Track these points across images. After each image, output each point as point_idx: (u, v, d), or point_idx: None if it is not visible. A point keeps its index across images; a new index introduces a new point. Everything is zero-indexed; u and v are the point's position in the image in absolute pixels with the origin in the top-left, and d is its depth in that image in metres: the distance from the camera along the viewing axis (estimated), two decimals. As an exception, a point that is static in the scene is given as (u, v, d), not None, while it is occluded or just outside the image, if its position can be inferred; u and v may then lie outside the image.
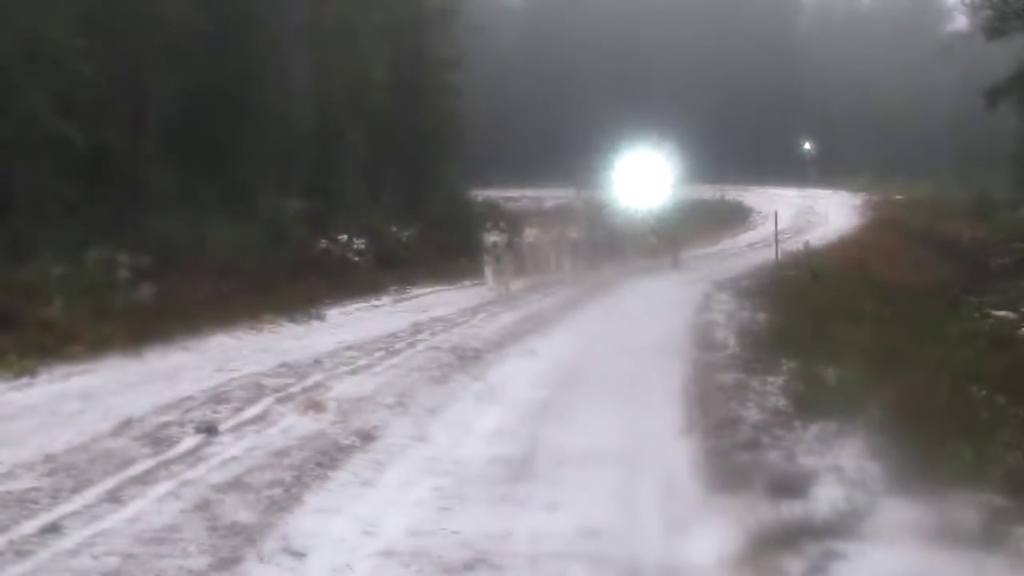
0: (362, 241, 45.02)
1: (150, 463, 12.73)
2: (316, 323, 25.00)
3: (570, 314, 29.24)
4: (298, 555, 9.18)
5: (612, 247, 35.02)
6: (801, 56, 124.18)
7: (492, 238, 19.71)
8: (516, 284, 32.72)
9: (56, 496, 11.12)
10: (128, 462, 12.59)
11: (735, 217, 74.79)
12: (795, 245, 54.95)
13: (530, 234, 25.24)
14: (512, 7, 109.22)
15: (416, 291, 32.16)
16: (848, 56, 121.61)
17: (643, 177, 41.04)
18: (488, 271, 20.02)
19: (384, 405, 16.29)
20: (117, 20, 46.86)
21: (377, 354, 18.84)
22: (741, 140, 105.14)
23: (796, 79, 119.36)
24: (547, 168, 54.79)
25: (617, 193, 41.60)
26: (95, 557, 9.04)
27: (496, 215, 35.38)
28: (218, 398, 16.29)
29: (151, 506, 10.79)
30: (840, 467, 10.89)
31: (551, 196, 58.31)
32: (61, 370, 18.43)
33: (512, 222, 37.16)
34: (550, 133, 76.69)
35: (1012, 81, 36.25)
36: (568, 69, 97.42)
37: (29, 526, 10.01)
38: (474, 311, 27.27)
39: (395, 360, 19.96)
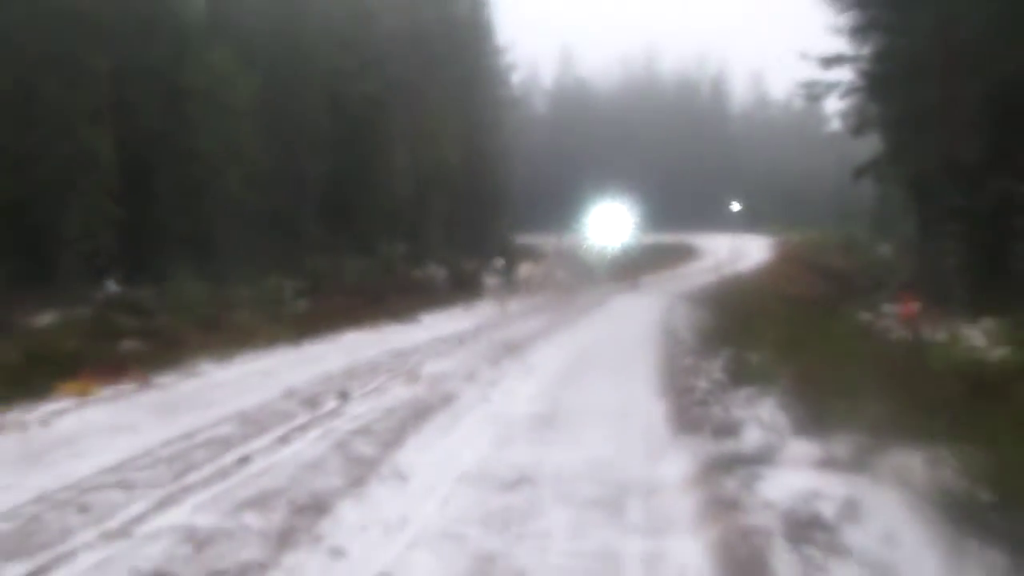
0: (442, 270, 45.34)
1: (306, 417, 12.80)
2: (413, 324, 24.79)
3: (576, 320, 29.25)
4: (403, 477, 9.29)
5: (588, 274, 34.14)
6: (732, 143, 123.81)
7: (490, 277, 18.63)
8: (514, 305, 31.37)
9: (246, 438, 11.28)
10: (291, 416, 12.67)
11: (687, 253, 74.51)
12: (728, 271, 55.08)
13: (524, 269, 21.94)
14: (539, 114, 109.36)
15: (477, 304, 31.70)
16: (764, 143, 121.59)
17: (609, 223, 41.93)
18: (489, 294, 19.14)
19: (459, 377, 16.39)
20: (284, 127, 47.16)
21: (452, 344, 18.98)
22: (690, 200, 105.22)
23: (729, 159, 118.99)
24: (559, 218, 54.84)
25: (591, 235, 41.63)
26: (273, 477, 9.18)
27: (511, 252, 34.61)
28: (349, 374, 16.30)
29: (307, 446, 10.89)
30: (759, 417, 10.92)
31: (557, 239, 56.02)
32: (247, 356, 18.59)
33: (515, 257, 36.01)
34: (561, 192, 75.96)
35: (867, 165, 37.16)
36: (574, 149, 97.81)
37: (229, 457, 10.15)
38: (514, 317, 26.66)
39: (465, 348, 20.08)
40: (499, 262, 28.85)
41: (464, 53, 67.08)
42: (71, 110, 38.21)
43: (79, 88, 38.52)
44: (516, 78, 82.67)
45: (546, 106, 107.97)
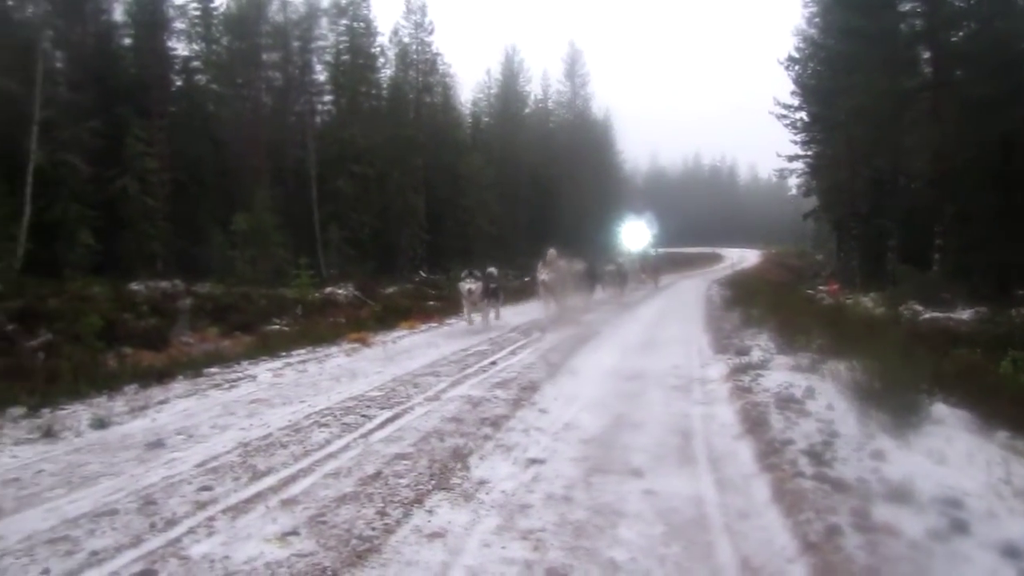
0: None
1: (525, 340, 13.08)
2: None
3: (655, 294, 28.75)
4: (575, 373, 9.46)
5: (620, 276, 26.20)
6: (738, 200, 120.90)
7: (467, 285, 14.37)
8: (624, 288, 26.24)
9: (494, 352, 11.40)
10: (517, 340, 12.94)
11: (716, 257, 72.52)
12: (738, 267, 54.04)
13: (543, 272, 17.30)
14: (638, 187, 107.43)
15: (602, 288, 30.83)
16: (755, 200, 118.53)
17: (637, 237, 33.71)
18: (465, 306, 15.11)
19: (602, 323, 16.45)
20: (506, 191, 47.52)
21: (534, 334, 16.93)
22: (717, 228, 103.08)
23: (737, 208, 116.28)
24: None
25: (624, 246, 32.91)
26: (508, 373, 9.42)
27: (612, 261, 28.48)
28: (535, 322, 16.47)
29: (525, 356, 11.11)
30: (760, 344, 10.83)
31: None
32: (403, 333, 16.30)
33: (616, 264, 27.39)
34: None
35: (810, 212, 38.84)
36: (653, 206, 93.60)
37: (485, 361, 10.36)
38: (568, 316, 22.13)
39: (540, 339, 19.06)
40: (610, 266, 26.10)
41: (600, 151, 66.98)
42: (405, 185, 39.23)
43: (407, 175, 39.55)
44: (626, 165, 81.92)
45: (641, 180, 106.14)
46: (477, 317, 15.59)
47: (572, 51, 64.69)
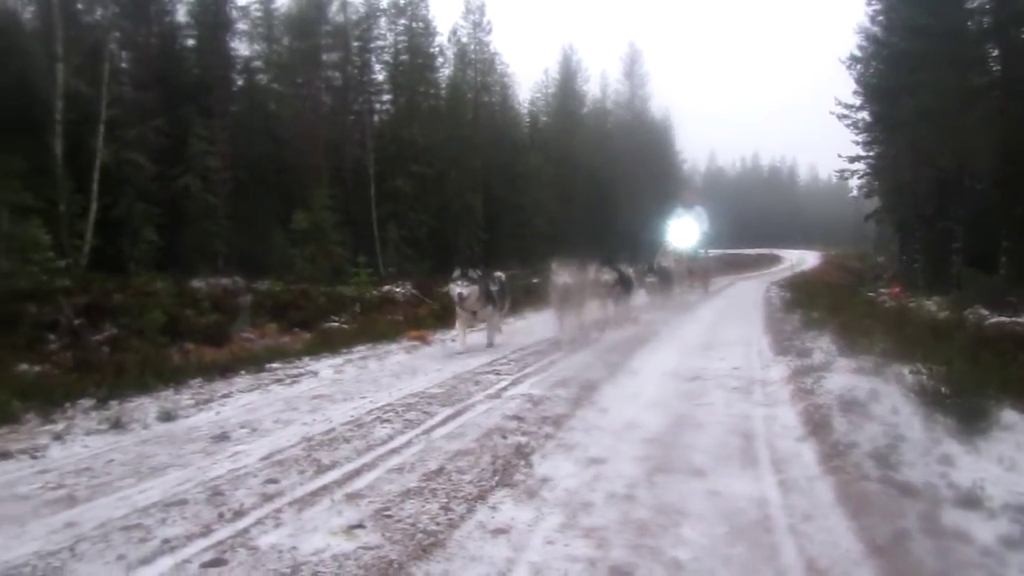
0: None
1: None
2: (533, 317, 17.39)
3: (714, 295, 28.44)
4: (635, 373, 9.45)
5: (665, 280, 21.86)
6: (798, 202, 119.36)
7: (458, 289, 11.47)
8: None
9: (552, 351, 11.42)
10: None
11: (775, 259, 71.26)
12: (798, 269, 53.24)
13: (559, 274, 12.90)
14: (696, 187, 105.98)
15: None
16: (816, 201, 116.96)
17: (686, 235, 26.83)
18: (458, 318, 11.98)
19: (662, 323, 16.30)
20: (564, 190, 47.46)
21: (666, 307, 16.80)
22: (777, 231, 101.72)
23: (797, 209, 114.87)
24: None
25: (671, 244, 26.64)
26: (567, 371, 9.42)
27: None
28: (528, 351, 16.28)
29: (583, 356, 11.16)
30: (821, 347, 10.67)
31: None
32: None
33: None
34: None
35: (872, 213, 37.54)
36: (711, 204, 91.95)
37: (545, 360, 10.45)
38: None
39: (667, 308, 19.14)
40: (652, 270, 23.68)
41: (659, 151, 66.53)
42: (463, 185, 39.49)
43: (466, 174, 39.79)
44: (685, 165, 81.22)
45: (699, 181, 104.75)
46: (474, 335, 12.50)
47: (631, 51, 64.41)
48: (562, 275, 12.74)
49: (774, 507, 4.30)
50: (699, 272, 27.80)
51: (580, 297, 13.26)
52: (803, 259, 69.26)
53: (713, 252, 33.78)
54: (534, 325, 15.23)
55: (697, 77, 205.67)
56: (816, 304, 17.92)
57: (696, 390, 8.15)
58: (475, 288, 11.51)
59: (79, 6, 28.11)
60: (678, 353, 11.30)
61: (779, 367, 9.49)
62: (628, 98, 63.96)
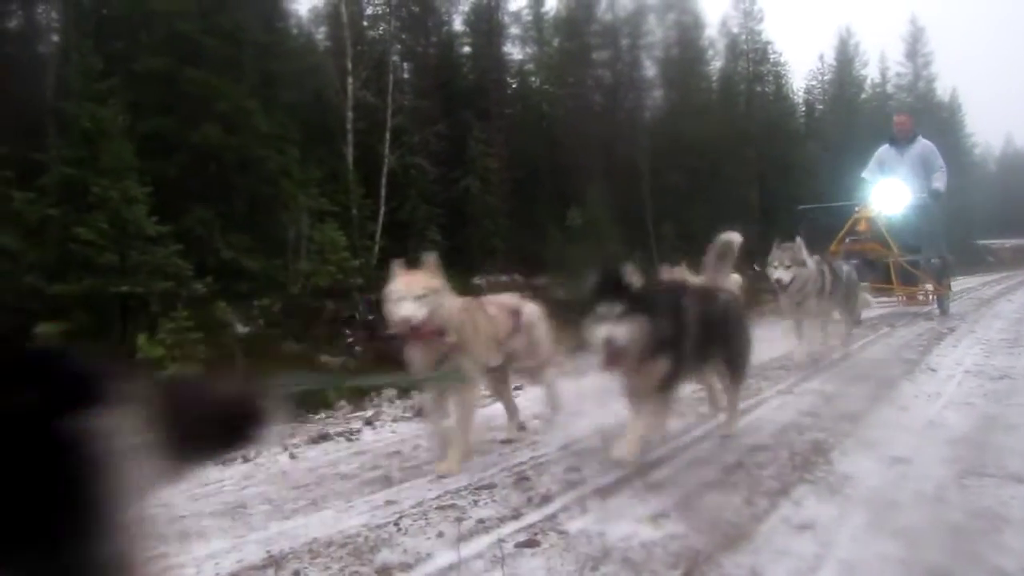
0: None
1: (872, 335, 12.27)
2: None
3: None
4: (933, 370, 8.77)
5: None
6: None
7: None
8: None
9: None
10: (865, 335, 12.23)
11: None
12: None
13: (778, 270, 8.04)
14: (991, 172, 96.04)
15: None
16: None
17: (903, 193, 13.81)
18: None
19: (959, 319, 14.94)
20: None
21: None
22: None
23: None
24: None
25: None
26: (854, 369, 8.86)
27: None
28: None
29: (873, 352, 10.49)
30: None
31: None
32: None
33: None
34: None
35: None
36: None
37: (837, 354, 9.97)
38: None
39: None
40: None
41: (946, 135, 61.04)
42: (738, 178, 38.63)
43: (740, 167, 38.74)
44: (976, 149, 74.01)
45: (993, 165, 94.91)
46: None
47: (913, 29, 60.18)
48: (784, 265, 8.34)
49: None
50: (933, 273, 14.30)
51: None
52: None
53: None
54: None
55: (988, 52, 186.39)
56: None
57: (1004, 390, 7.44)
58: (806, 272, 8.29)
59: (364, 23, 30.52)
60: (980, 350, 10.31)
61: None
62: (911, 80, 59.87)
